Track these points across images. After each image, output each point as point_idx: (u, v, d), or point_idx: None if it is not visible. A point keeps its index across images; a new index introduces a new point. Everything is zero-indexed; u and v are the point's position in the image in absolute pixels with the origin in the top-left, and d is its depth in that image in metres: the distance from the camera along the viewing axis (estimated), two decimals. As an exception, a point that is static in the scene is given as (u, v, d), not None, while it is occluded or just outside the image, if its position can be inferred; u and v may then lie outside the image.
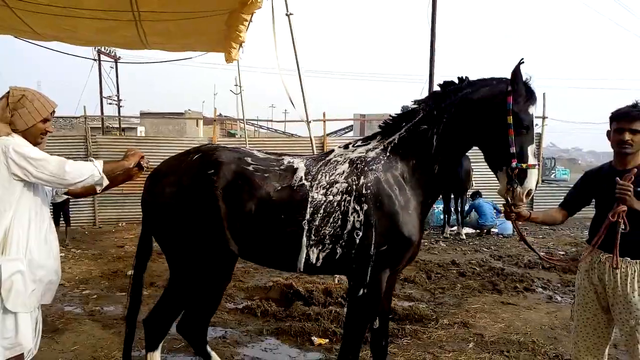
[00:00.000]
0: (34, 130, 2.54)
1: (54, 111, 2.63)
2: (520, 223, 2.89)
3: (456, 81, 2.91)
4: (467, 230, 10.62)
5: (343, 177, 2.81)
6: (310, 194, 2.77)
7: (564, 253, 8.39)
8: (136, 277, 3.21)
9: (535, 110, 2.78)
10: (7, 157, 2.37)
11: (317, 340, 4.39)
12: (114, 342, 4.33)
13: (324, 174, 2.84)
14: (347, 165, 2.87)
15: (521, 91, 2.72)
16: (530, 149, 2.72)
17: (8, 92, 2.52)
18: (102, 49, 22.21)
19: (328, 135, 13.91)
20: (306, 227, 2.74)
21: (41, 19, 6.51)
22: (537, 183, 2.67)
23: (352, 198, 2.74)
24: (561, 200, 3.19)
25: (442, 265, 7.45)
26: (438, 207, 11.82)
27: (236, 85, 10.81)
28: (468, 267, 7.33)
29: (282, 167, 2.89)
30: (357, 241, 2.73)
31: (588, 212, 3.08)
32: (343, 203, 2.75)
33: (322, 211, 2.74)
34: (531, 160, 2.70)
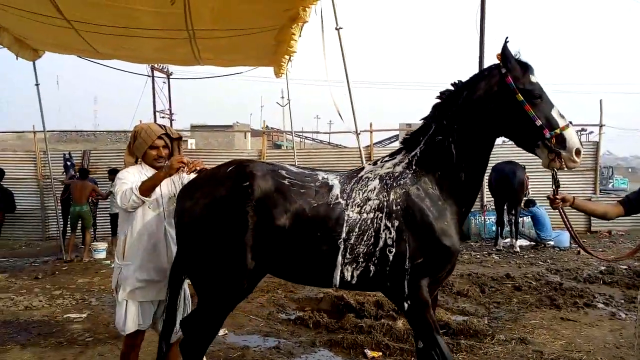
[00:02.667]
0: (147, 157, 3.19)
1: (162, 137, 3.18)
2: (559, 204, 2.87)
3: (451, 88, 2.91)
4: (521, 242, 10.25)
5: (374, 193, 2.78)
6: (346, 212, 2.73)
7: (626, 267, 7.97)
8: (171, 297, 3.05)
9: (536, 77, 2.72)
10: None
11: (370, 353, 4.36)
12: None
13: (357, 192, 2.81)
14: (377, 181, 2.83)
15: (515, 67, 2.70)
16: (555, 112, 2.66)
17: None
18: (155, 66, 23.09)
19: (374, 145, 13.89)
20: (342, 246, 2.70)
21: (103, 39, 6.89)
22: (580, 142, 2.65)
23: (384, 215, 2.70)
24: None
25: (496, 279, 7.25)
26: (490, 218, 11.55)
27: (282, 97, 11.06)
28: (523, 280, 7.09)
29: (317, 184, 2.84)
30: (390, 258, 2.67)
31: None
32: (375, 220, 2.71)
33: (357, 230, 2.71)
34: (561, 122, 2.63)
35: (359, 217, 2.72)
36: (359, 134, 6.25)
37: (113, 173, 10.23)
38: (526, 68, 2.73)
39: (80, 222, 9.83)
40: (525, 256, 9.36)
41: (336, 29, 5.68)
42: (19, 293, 6.81)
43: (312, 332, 5.03)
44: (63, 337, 4.93)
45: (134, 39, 6.87)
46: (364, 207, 2.74)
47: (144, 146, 3.14)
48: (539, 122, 2.62)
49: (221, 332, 5.00)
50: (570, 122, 2.69)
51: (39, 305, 6.18)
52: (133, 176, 3.09)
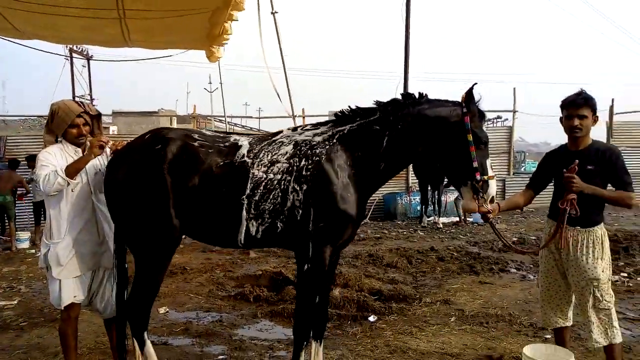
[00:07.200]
0: (68, 135, 3.14)
1: (82, 115, 3.12)
2: (492, 217, 3.11)
3: (416, 96, 3.05)
4: (443, 219, 11.04)
5: (285, 157, 2.95)
6: (251, 170, 2.90)
7: (535, 238, 8.85)
8: (119, 266, 3.17)
9: (485, 127, 3.02)
10: None
11: (309, 320, 4.62)
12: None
13: (266, 153, 2.98)
14: (291, 147, 2.99)
15: (475, 111, 2.93)
16: (488, 162, 2.95)
17: None
18: (74, 48, 21.82)
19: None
20: (246, 202, 2.88)
21: (27, 16, 6.54)
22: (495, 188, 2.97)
23: (292, 178, 2.88)
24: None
25: (422, 252, 7.80)
26: (415, 199, 12.24)
27: (210, 83, 10.97)
28: (446, 252, 7.70)
29: (226, 144, 3.02)
30: (298, 218, 2.88)
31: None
32: (283, 182, 2.89)
33: (262, 188, 2.88)
34: (490, 172, 2.94)
35: (264, 176, 2.90)
36: (295, 117, 6.45)
37: (32, 159, 9.73)
38: (483, 116, 3.00)
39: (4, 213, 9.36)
40: (448, 232, 10.09)
41: (272, 13, 5.82)
42: (-63, 285, 6.42)
43: (253, 305, 5.22)
44: (-6, 324, 4.78)
45: (57, 17, 6.58)
46: (271, 168, 2.92)
47: (63, 125, 3.11)
48: (475, 164, 2.87)
49: (162, 310, 5.06)
50: (494, 176, 2.97)
51: (-38, 295, 5.88)
52: (54, 157, 3.07)
